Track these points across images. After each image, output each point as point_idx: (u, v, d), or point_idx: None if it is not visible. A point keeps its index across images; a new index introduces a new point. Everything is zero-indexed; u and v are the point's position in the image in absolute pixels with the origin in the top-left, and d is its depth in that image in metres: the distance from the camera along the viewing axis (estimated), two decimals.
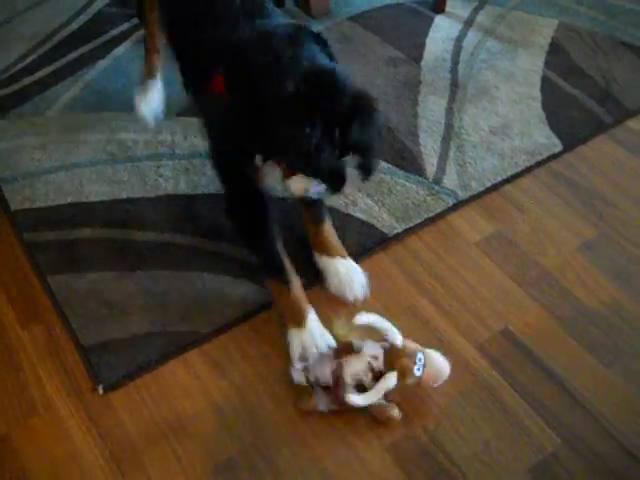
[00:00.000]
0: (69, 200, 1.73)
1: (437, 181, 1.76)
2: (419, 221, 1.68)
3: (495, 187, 1.76)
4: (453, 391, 1.38)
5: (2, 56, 2.14)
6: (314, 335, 1.40)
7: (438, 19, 2.26)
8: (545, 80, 2.04)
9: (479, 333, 1.48)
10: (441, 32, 2.21)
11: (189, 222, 1.68)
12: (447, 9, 2.28)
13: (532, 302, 1.53)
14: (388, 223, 1.67)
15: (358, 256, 1.59)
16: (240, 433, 1.34)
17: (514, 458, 1.29)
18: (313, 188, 1.31)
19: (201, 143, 1.81)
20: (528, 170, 1.80)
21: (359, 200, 1.72)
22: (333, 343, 1.40)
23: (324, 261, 1.54)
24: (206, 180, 1.75)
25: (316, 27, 2.20)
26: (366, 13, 2.28)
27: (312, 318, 1.43)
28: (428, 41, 2.17)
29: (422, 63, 2.09)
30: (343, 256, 1.55)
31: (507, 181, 1.77)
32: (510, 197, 1.75)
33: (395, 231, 1.66)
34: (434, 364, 1.34)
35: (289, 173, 1.32)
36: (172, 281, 1.56)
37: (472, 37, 2.19)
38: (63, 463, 1.31)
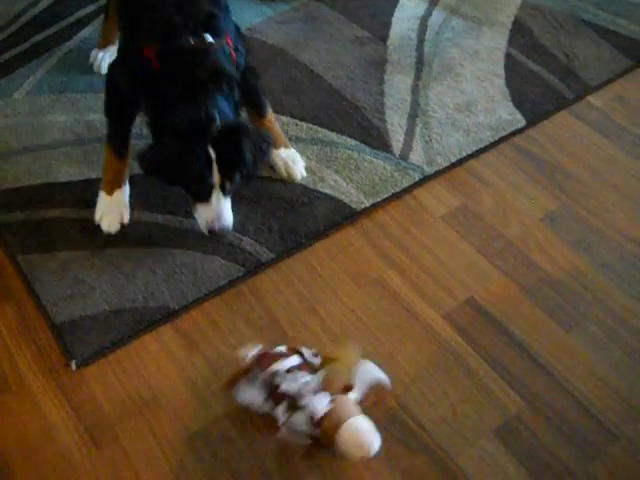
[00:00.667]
0: (38, 181, 1.73)
1: (404, 157, 1.79)
2: (386, 196, 1.71)
3: (460, 162, 1.80)
4: (421, 358, 1.42)
5: None
6: (115, 202, 1.62)
7: None
8: (508, 57, 2.08)
9: (445, 303, 1.52)
10: (407, 11, 2.23)
11: (159, 200, 1.69)
12: None
13: (496, 272, 1.57)
14: (356, 198, 1.70)
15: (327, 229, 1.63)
16: (213, 405, 1.36)
17: (480, 420, 1.34)
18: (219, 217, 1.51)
19: None
20: (492, 145, 1.84)
21: (327, 177, 1.74)
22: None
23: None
24: None
25: (282, 7, 2.22)
26: None
27: (124, 191, 1.64)
28: (394, 20, 2.20)
29: (388, 42, 2.12)
30: (286, 146, 1.75)
31: (472, 156, 1.81)
32: (475, 172, 1.78)
33: (363, 206, 1.68)
34: (355, 437, 1.20)
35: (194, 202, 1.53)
36: (142, 258, 1.57)
37: (437, 16, 2.21)
38: (37, 439, 1.32)
